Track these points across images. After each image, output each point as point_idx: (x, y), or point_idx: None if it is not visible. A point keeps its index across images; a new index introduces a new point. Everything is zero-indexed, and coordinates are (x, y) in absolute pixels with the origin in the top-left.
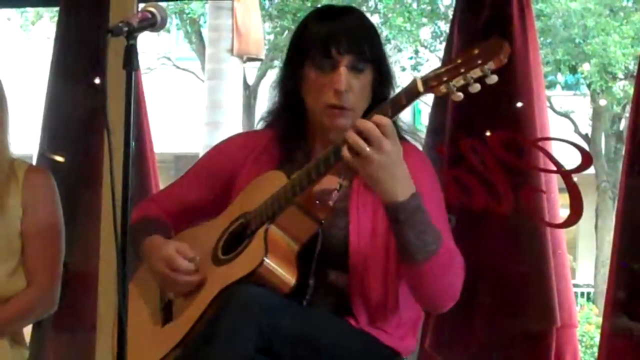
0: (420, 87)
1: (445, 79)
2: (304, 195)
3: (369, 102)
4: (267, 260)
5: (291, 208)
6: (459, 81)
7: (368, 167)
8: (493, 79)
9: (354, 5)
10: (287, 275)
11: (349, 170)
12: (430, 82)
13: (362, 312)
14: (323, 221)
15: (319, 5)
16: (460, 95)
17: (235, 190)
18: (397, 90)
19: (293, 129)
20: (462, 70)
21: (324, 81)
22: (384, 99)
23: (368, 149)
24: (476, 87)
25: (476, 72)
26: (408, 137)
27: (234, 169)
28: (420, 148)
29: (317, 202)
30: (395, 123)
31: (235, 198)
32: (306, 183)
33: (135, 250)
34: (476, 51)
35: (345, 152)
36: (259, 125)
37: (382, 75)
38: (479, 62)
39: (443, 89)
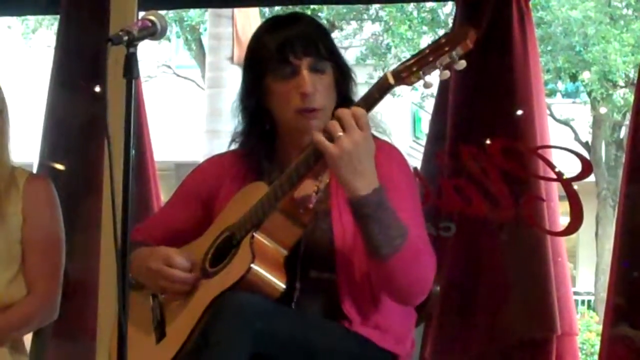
0: (391, 80)
1: (414, 69)
2: (287, 201)
3: (335, 101)
4: (254, 266)
5: (275, 214)
6: (428, 69)
7: (336, 154)
8: (462, 64)
9: (354, 13)
10: (276, 281)
11: (325, 171)
12: (401, 74)
13: (352, 311)
14: (308, 225)
15: (269, 17)
16: (432, 82)
17: (216, 210)
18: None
19: (264, 143)
20: (431, 59)
21: (288, 88)
22: (346, 94)
23: (340, 133)
24: (445, 74)
25: (444, 59)
26: (377, 134)
27: (213, 190)
28: (391, 143)
29: (300, 206)
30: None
31: (217, 215)
32: (287, 187)
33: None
34: (443, 40)
35: (318, 135)
36: (231, 146)
37: (342, 71)
38: (446, 49)
39: (413, 78)
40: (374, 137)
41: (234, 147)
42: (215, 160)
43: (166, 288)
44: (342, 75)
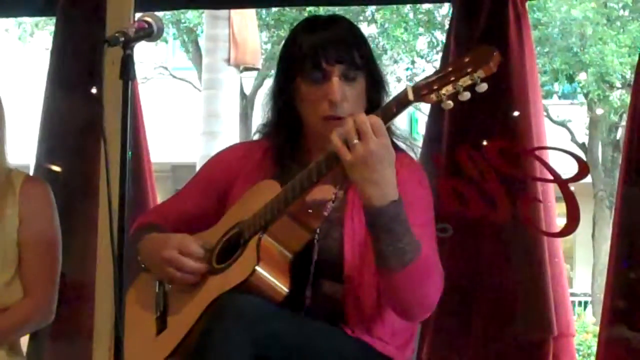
0: (411, 96)
1: (435, 87)
2: (297, 205)
3: (364, 109)
4: (259, 269)
5: (284, 217)
6: (449, 89)
7: (353, 160)
8: (483, 87)
9: (350, 14)
10: (279, 284)
11: (344, 180)
12: (421, 91)
13: (356, 322)
14: (317, 230)
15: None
16: (450, 103)
17: (230, 200)
18: (392, 95)
19: (289, 142)
20: (452, 79)
21: (318, 93)
22: (378, 104)
23: (356, 140)
24: (466, 96)
25: (466, 81)
26: (402, 146)
27: (230, 180)
28: (415, 155)
29: (310, 211)
30: (388, 130)
31: (230, 207)
32: (299, 192)
33: (135, 251)
34: (467, 59)
35: (335, 138)
36: (255, 136)
37: (375, 80)
38: (469, 70)
39: (433, 97)
40: (395, 149)
41: (257, 137)
42: (236, 149)
43: (175, 278)
44: (374, 84)
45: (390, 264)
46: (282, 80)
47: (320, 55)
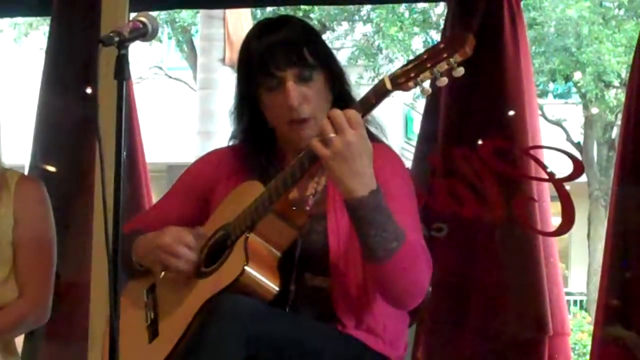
0: (389, 85)
1: (412, 74)
2: (282, 203)
3: (330, 101)
4: (248, 268)
5: (270, 216)
6: (426, 75)
7: (331, 155)
8: (460, 71)
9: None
10: (269, 283)
11: (323, 174)
12: (398, 79)
13: (346, 315)
14: (302, 227)
15: (261, 20)
16: (429, 90)
17: (212, 205)
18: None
19: (263, 149)
20: (429, 65)
21: (277, 99)
22: (343, 96)
23: (332, 134)
24: (443, 81)
25: (442, 66)
26: (379, 137)
27: (211, 185)
28: (390, 145)
29: (294, 208)
30: (364, 120)
31: (213, 211)
32: (283, 190)
33: (126, 256)
34: (442, 45)
35: (314, 139)
36: (230, 142)
37: (334, 74)
38: (445, 55)
39: (411, 84)
40: (372, 139)
41: (232, 143)
42: (214, 155)
43: (169, 264)
44: (334, 77)
45: (377, 254)
46: (243, 89)
47: (269, 62)
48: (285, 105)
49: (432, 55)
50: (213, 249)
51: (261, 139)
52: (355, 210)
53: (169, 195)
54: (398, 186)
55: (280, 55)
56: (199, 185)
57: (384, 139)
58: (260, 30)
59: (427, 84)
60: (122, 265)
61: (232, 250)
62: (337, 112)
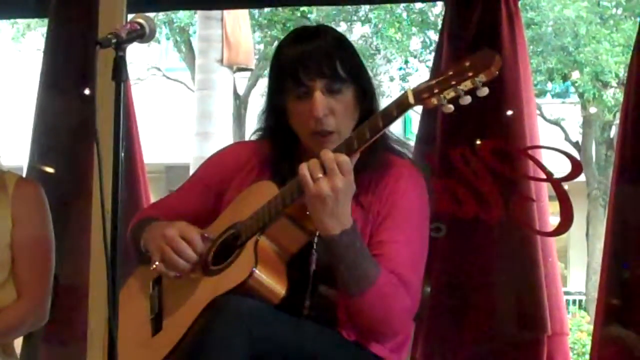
0: (411, 99)
1: (436, 91)
2: (295, 207)
3: (357, 118)
4: (256, 271)
5: (282, 219)
6: (450, 93)
7: (315, 194)
8: (484, 91)
9: (344, 14)
10: (277, 286)
11: None
12: (421, 94)
13: (350, 327)
14: (316, 232)
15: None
16: (451, 107)
17: (226, 201)
18: (383, 100)
19: (284, 152)
20: (453, 83)
21: (303, 108)
22: (370, 113)
23: (320, 175)
24: (467, 100)
25: (467, 85)
26: (405, 153)
27: (227, 180)
28: (413, 161)
29: (308, 212)
30: (384, 136)
31: (226, 208)
32: (297, 194)
33: (136, 241)
34: (467, 63)
35: (303, 169)
36: (252, 136)
37: (364, 90)
38: (470, 74)
39: (434, 100)
40: (396, 156)
41: (255, 137)
42: (233, 152)
43: (168, 258)
44: (363, 94)
45: (349, 290)
46: (273, 94)
47: (300, 70)
48: (311, 115)
49: (457, 72)
50: (222, 247)
51: (285, 143)
52: (329, 246)
53: (186, 187)
54: (409, 213)
55: (311, 64)
56: (216, 179)
57: (407, 152)
58: (295, 37)
59: (449, 104)
60: (134, 248)
61: (241, 251)
62: (329, 155)
